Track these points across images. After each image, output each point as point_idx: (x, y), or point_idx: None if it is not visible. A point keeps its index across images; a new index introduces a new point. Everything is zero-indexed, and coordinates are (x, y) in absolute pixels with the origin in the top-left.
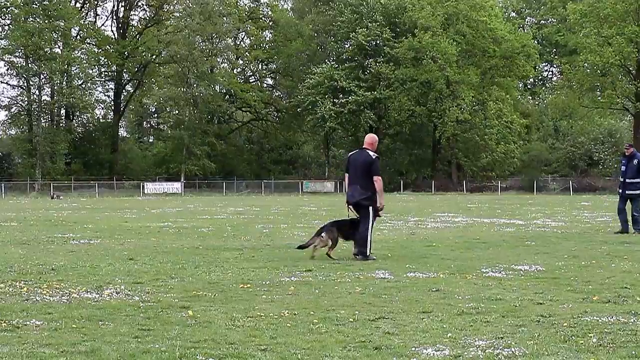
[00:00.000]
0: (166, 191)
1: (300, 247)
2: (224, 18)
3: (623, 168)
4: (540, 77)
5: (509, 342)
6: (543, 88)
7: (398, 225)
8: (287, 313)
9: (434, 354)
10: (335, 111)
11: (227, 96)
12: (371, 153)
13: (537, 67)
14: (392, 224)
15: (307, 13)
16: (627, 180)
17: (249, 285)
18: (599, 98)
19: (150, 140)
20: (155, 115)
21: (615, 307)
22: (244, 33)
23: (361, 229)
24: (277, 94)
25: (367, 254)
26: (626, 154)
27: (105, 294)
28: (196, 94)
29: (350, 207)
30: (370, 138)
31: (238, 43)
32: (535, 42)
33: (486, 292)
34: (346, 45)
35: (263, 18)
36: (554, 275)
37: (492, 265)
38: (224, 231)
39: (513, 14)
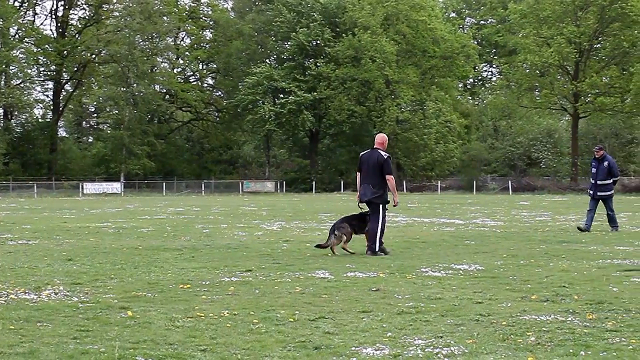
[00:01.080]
0: (105, 191)
1: (319, 247)
2: (164, 17)
3: (594, 170)
4: (479, 77)
5: (448, 341)
6: (482, 88)
7: None
8: (227, 313)
9: (373, 353)
10: (275, 111)
11: (167, 96)
12: (382, 153)
13: (476, 68)
14: (332, 223)
15: (247, 13)
16: (599, 182)
17: (188, 286)
18: (538, 98)
19: (90, 140)
20: (95, 115)
21: (553, 305)
22: (184, 33)
23: (372, 226)
24: (217, 93)
25: (376, 250)
26: (596, 156)
27: (43, 294)
28: (136, 93)
29: (361, 205)
30: (381, 138)
31: (178, 43)
32: (475, 42)
33: (426, 292)
34: (286, 45)
35: (203, 17)
36: (492, 274)
37: (431, 265)
38: (164, 231)
39: (453, 15)
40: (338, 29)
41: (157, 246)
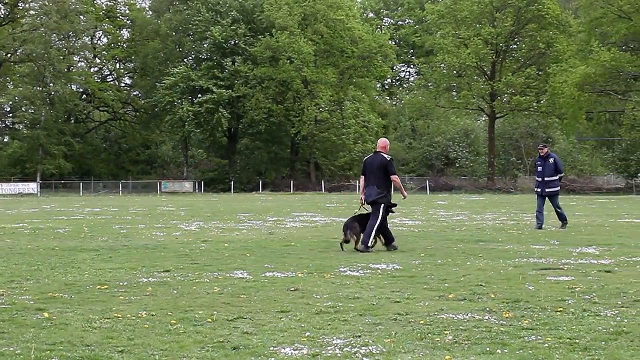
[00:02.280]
0: (21, 192)
1: (345, 242)
2: (81, 16)
3: (539, 168)
4: (397, 78)
5: (366, 340)
6: (400, 88)
7: (257, 225)
8: (145, 314)
9: (292, 353)
10: (193, 111)
11: (85, 95)
12: (385, 155)
13: (394, 68)
14: (251, 223)
15: (165, 12)
16: (546, 179)
17: (106, 287)
18: (455, 98)
19: (5, 140)
20: (10, 114)
21: (471, 304)
22: (101, 32)
23: (370, 222)
24: (135, 93)
25: (369, 245)
26: (541, 154)
27: None
28: (52, 93)
29: (365, 205)
30: (383, 142)
31: (95, 42)
32: (393, 42)
33: (344, 291)
34: (204, 44)
35: (120, 17)
36: (410, 273)
37: (350, 264)
38: (81, 232)
39: (371, 15)
40: (255, 28)
41: (74, 247)
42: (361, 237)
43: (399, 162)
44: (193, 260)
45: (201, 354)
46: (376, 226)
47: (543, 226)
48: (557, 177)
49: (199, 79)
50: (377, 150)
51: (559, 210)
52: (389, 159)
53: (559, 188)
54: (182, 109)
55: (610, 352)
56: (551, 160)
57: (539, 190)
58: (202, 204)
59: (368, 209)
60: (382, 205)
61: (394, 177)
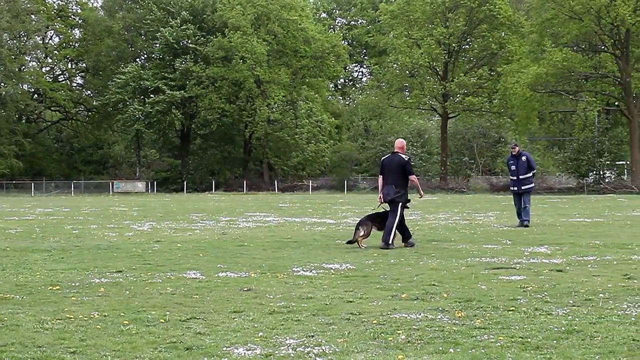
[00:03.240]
0: None
1: (349, 242)
2: (32, 16)
3: (513, 167)
4: (350, 78)
5: (320, 340)
6: (353, 88)
7: (210, 225)
8: (97, 315)
9: (245, 353)
10: (144, 111)
11: (36, 95)
12: (403, 156)
13: (347, 68)
14: (204, 224)
15: (117, 11)
16: (521, 177)
17: (57, 287)
18: (408, 98)
19: None
20: None
21: (423, 304)
22: (52, 31)
23: (389, 221)
24: (87, 93)
25: (390, 242)
26: (513, 153)
27: None
28: (4, 93)
29: (383, 204)
30: (400, 142)
31: (47, 41)
32: (345, 42)
33: (297, 291)
34: (156, 44)
35: (72, 16)
36: (363, 273)
37: (303, 264)
38: (33, 232)
39: (324, 15)
40: (207, 28)
41: (26, 247)
42: (370, 232)
43: (352, 162)
44: (146, 260)
45: (154, 355)
46: (395, 224)
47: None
48: (530, 174)
49: (150, 78)
50: (395, 150)
51: (527, 206)
52: (406, 159)
53: (533, 185)
54: (133, 107)
55: (562, 350)
56: (523, 158)
57: (515, 188)
58: (154, 204)
59: (387, 207)
60: (400, 203)
61: (412, 177)
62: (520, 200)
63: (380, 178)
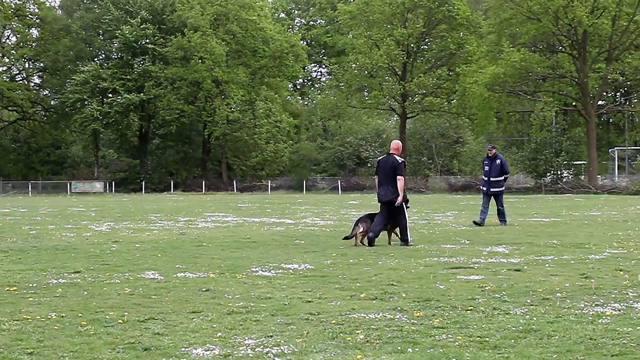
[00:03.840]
0: None
1: (346, 238)
2: None
3: (486, 168)
4: (309, 78)
5: (278, 340)
6: (312, 88)
7: (168, 226)
8: (55, 315)
9: (203, 353)
10: (102, 111)
11: None
12: (398, 157)
13: (305, 68)
14: (162, 224)
15: (75, 10)
16: (492, 179)
17: (14, 288)
18: (367, 98)
19: None
20: None
21: (382, 303)
22: (10, 31)
23: (401, 223)
24: (44, 92)
25: (409, 241)
26: (489, 154)
27: None
28: None
29: (381, 204)
30: (396, 144)
31: (4, 41)
32: (304, 42)
33: (256, 291)
34: (114, 43)
35: (30, 15)
36: (322, 273)
37: (262, 264)
38: None
39: (283, 15)
40: (166, 28)
41: None
42: (369, 230)
43: (310, 162)
44: (104, 261)
45: (112, 356)
46: (406, 222)
47: (484, 222)
48: (502, 178)
49: (109, 78)
50: (391, 152)
51: (501, 208)
52: (400, 161)
53: (503, 188)
54: (91, 107)
55: (520, 350)
56: (498, 161)
57: (484, 189)
58: (113, 205)
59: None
60: (402, 203)
61: (399, 178)
62: (489, 200)
63: (376, 178)
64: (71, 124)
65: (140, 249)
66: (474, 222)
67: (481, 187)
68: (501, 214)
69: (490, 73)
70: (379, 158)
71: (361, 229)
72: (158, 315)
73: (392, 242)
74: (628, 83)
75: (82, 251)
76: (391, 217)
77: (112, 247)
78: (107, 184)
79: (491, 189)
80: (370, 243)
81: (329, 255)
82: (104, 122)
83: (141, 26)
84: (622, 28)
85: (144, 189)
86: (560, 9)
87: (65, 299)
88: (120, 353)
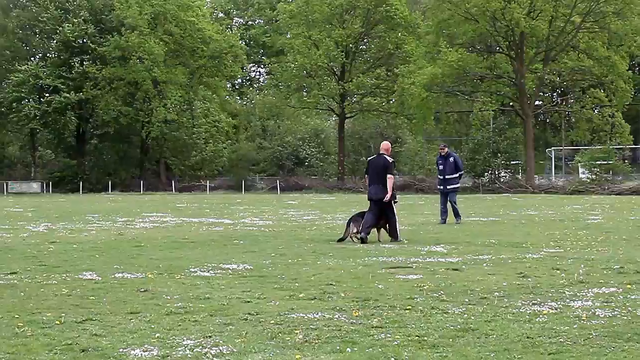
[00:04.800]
0: None
1: (340, 240)
2: None
3: (441, 167)
4: (248, 78)
5: (217, 340)
6: (251, 88)
7: (106, 226)
8: None
9: (142, 354)
10: (40, 110)
11: None
12: (388, 157)
13: (244, 68)
14: (100, 224)
15: (11, 9)
16: (447, 177)
17: None
18: (306, 98)
19: None
20: None
21: (321, 303)
22: None
23: (391, 221)
24: None
25: (399, 238)
26: (442, 153)
27: None
28: None
29: (371, 202)
30: (386, 145)
31: None
32: (243, 42)
33: (194, 292)
34: (52, 43)
35: None
36: (261, 273)
37: (200, 265)
38: None
39: (221, 15)
40: (105, 28)
41: None
42: (360, 227)
43: (249, 162)
44: (41, 261)
45: (49, 357)
46: (396, 220)
47: (447, 221)
48: (457, 175)
49: (47, 77)
50: (381, 152)
51: (455, 206)
52: (391, 161)
53: (459, 185)
54: (28, 106)
55: (458, 348)
56: (451, 159)
57: (441, 187)
58: (50, 205)
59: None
60: (392, 202)
61: (389, 177)
62: (446, 199)
63: (366, 177)
64: (8, 124)
65: (78, 249)
66: (440, 224)
67: (438, 187)
68: (455, 212)
69: (428, 73)
70: (369, 158)
71: (355, 230)
72: (96, 316)
73: (381, 239)
74: (565, 83)
75: (19, 252)
76: (381, 215)
77: (49, 247)
78: (45, 184)
79: (447, 187)
80: (363, 241)
81: (268, 255)
82: (42, 122)
83: (82, 27)
84: (559, 29)
85: (82, 190)
86: (497, 11)
87: (1, 300)
88: (58, 354)
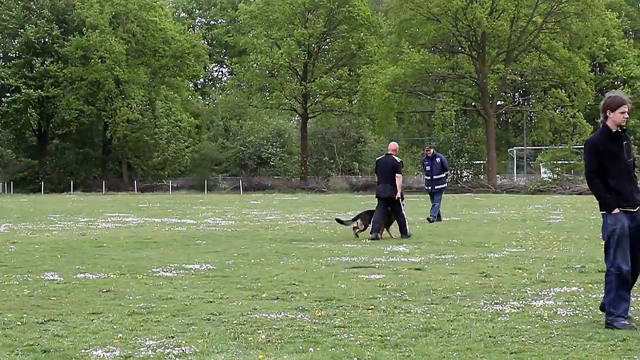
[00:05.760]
0: None
1: (339, 222)
2: None
3: (428, 168)
4: (210, 78)
5: (180, 340)
6: (213, 88)
7: (68, 226)
8: None
9: (104, 355)
10: (0, 111)
11: None
12: (396, 157)
13: (207, 67)
14: (62, 224)
15: None
16: (434, 177)
17: None
18: (268, 98)
19: None
20: None
21: (284, 303)
22: None
23: (400, 218)
24: None
25: (408, 233)
26: (428, 154)
27: None
28: None
29: (379, 200)
30: (393, 145)
31: None
32: (205, 42)
33: (157, 292)
34: (14, 42)
35: None
36: (224, 273)
37: (163, 265)
38: None
39: (183, 14)
40: (67, 27)
41: None
42: (368, 226)
43: (212, 162)
44: (2, 262)
45: (11, 358)
46: (405, 216)
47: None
48: (444, 175)
49: (9, 77)
50: (389, 152)
51: (436, 204)
52: (399, 161)
53: (445, 185)
54: None
55: (420, 348)
56: (437, 159)
57: (429, 188)
58: (11, 205)
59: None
60: (399, 200)
61: (398, 176)
62: (434, 198)
63: (376, 176)
64: None
65: (40, 250)
66: (429, 220)
67: (425, 187)
68: (434, 210)
69: (390, 73)
70: (377, 158)
71: (361, 228)
72: (57, 317)
73: (382, 236)
74: (526, 84)
75: None
76: (388, 212)
77: (10, 248)
78: (5, 185)
79: (435, 187)
80: (376, 238)
81: (231, 256)
82: (2, 122)
83: (45, 28)
84: (521, 29)
85: (44, 190)
86: (459, 11)
87: None
88: (19, 355)
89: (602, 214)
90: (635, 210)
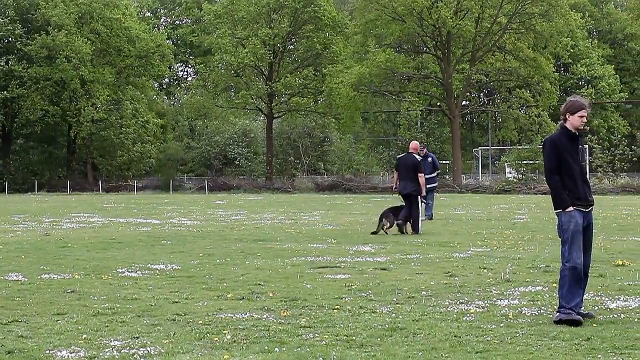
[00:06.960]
0: None
1: (373, 233)
2: None
3: None
4: (175, 77)
5: (145, 341)
6: (178, 88)
7: (32, 227)
8: None
9: (68, 356)
10: None
11: None
12: (417, 156)
13: (172, 67)
14: (26, 225)
15: None
16: (427, 176)
17: None
18: (234, 98)
19: None
20: None
21: (249, 303)
22: None
23: (414, 213)
24: None
25: (419, 230)
26: (421, 155)
27: None
28: None
29: (402, 196)
30: (415, 144)
31: None
32: (170, 42)
33: (122, 292)
34: None
35: None
36: (189, 273)
37: (128, 265)
38: None
39: (148, 14)
40: (31, 26)
41: None
42: (394, 223)
43: (177, 162)
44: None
45: None
46: (419, 213)
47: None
48: (435, 174)
49: None
50: (410, 151)
51: (429, 202)
52: (419, 159)
53: (437, 184)
54: None
55: (386, 348)
56: (429, 159)
57: None
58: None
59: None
60: (418, 197)
61: (420, 175)
62: (430, 196)
63: (396, 173)
64: None
65: (3, 250)
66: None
67: None
68: (428, 208)
69: (356, 73)
70: (399, 156)
71: (388, 225)
72: (22, 318)
73: (388, 231)
74: (491, 84)
75: None
76: (410, 207)
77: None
78: None
79: (428, 186)
80: (401, 231)
81: (196, 256)
82: None
83: (7, 27)
84: (486, 29)
85: (7, 190)
86: (424, 11)
87: None
88: None
89: (557, 212)
90: (587, 210)
